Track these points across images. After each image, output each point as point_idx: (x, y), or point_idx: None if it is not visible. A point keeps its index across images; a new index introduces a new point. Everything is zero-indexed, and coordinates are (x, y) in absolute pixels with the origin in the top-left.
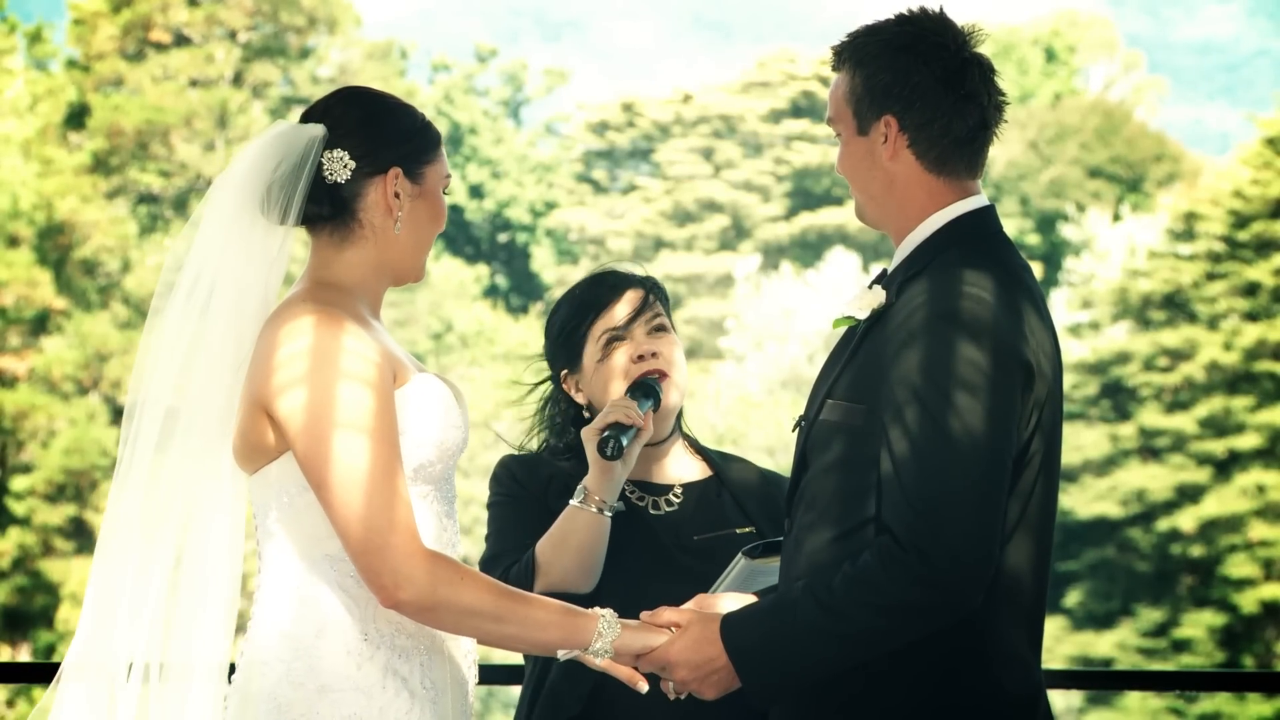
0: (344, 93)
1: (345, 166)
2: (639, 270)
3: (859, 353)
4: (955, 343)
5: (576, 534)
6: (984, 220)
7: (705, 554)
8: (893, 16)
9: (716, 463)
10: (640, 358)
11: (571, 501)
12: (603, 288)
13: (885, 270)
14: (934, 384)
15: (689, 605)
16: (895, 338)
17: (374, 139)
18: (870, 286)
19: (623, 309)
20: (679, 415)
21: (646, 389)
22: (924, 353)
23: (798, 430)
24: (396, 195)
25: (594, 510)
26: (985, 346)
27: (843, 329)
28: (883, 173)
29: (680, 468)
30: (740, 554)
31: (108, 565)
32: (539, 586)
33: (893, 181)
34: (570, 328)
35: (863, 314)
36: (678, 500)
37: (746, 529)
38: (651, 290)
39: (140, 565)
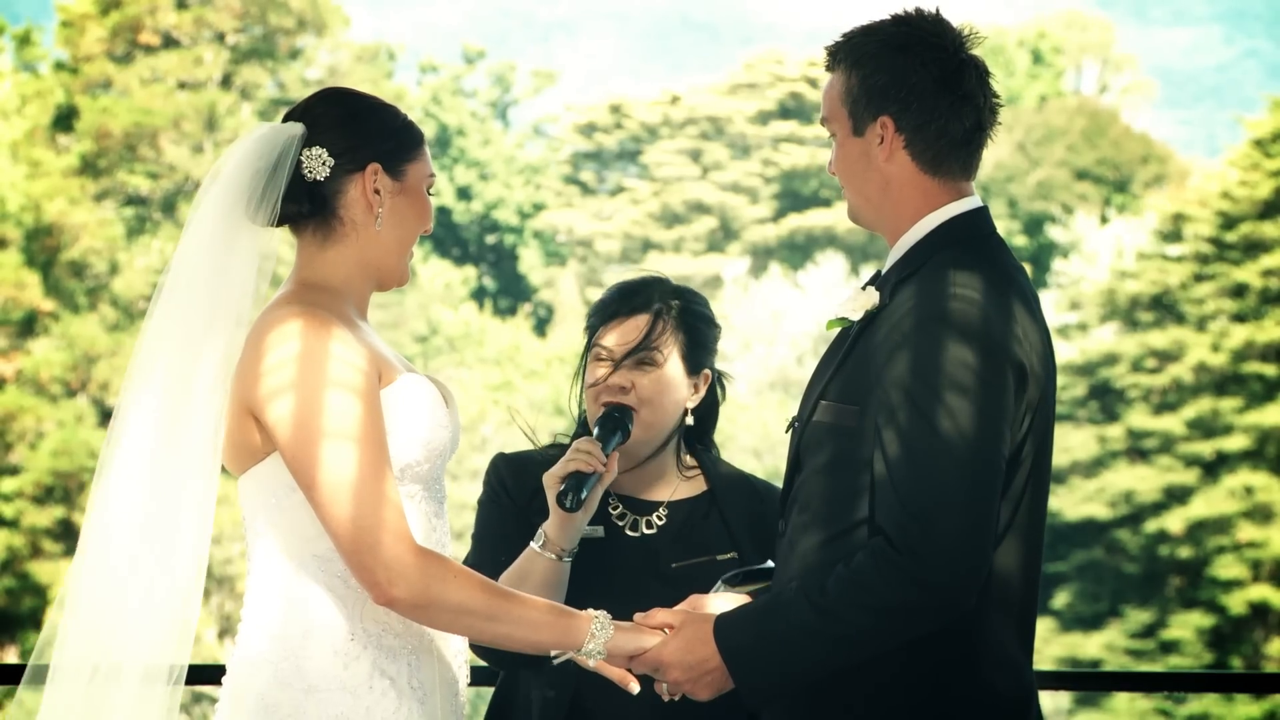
0: (324, 92)
1: (324, 164)
2: (675, 291)
3: (852, 354)
4: (948, 345)
5: (534, 576)
6: (978, 221)
7: (683, 582)
8: (889, 17)
9: (713, 479)
10: (609, 388)
11: (531, 545)
12: (619, 304)
13: (879, 271)
14: (927, 386)
15: (682, 606)
16: (889, 339)
17: (353, 135)
18: (864, 288)
19: (622, 332)
20: (677, 440)
21: (615, 423)
22: (917, 355)
23: (791, 431)
24: (377, 191)
25: (551, 557)
26: (978, 349)
27: (836, 330)
28: (878, 173)
29: (670, 485)
30: (720, 582)
31: (91, 566)
32: None
33: (888, 182)
34: (588, 329)
35: (856, 315)
36: (660, 522)
37: (728, 555)
38: (662, 317)
39: (122, 565)
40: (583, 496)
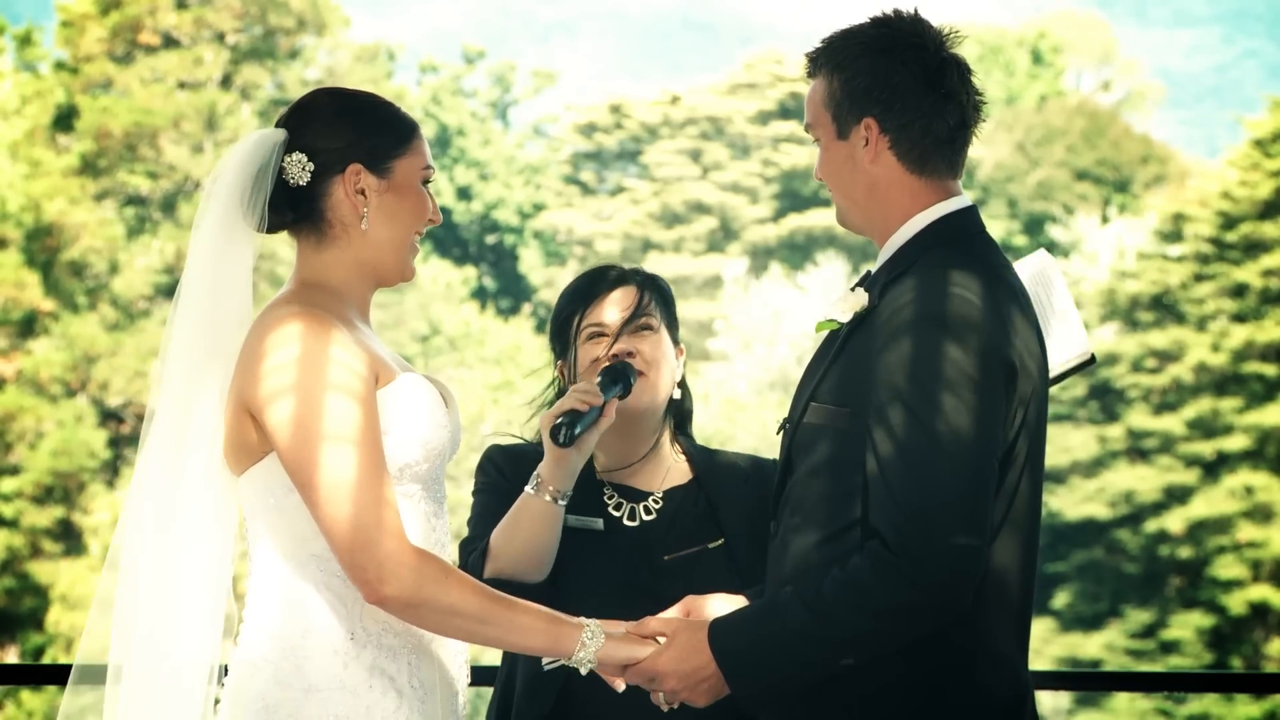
0: (308, 95)
1: (304, 168)
2: (642, 269)
3: (842, 355)
4: (939, 344)
5: (527, 521)
6: (966, 220)
7: (673, 576)
8: (867, 20)
9: (700, 465)
10: (615, 355)
11: (525, 488)
12: (598, 281)
13: (869, 272)
14: (919, 386)
15: (675, 610)
16: (879, 340)
17: (330, 138)
18: (853, 289)
19: (611, 305)
20: (669, 419)
21: (615, 374)
22: (908, 355)
23: (782, 433)
24: (361, 192)
25: (546, 498)
26: (969, 348)
27: (825, 332)
28: (864, 176)
29: (662, 472)
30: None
31: (120, 569)
32: (489, 572)
33: (875, 184)
34: (563, 318)
35: (845, 317)
36: (656, 508)
37: (718, 542)
38: (647, 288)
39: (141, 568)
40: (576, 432)
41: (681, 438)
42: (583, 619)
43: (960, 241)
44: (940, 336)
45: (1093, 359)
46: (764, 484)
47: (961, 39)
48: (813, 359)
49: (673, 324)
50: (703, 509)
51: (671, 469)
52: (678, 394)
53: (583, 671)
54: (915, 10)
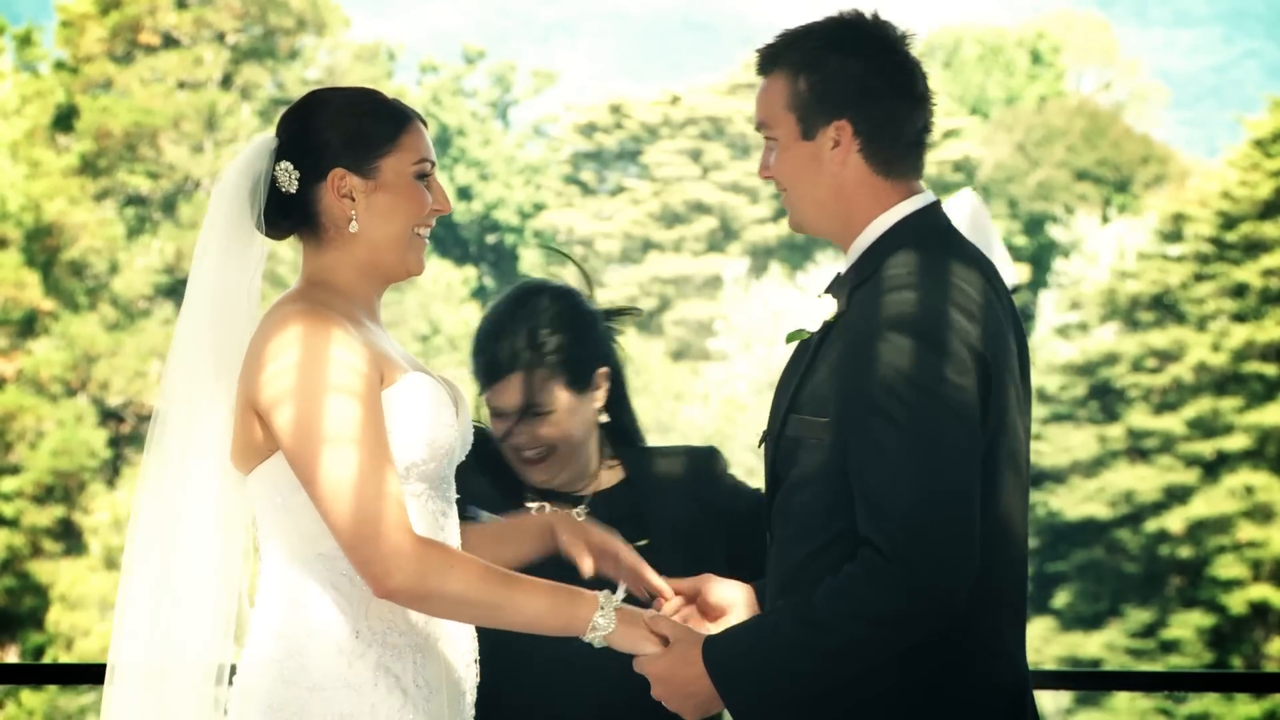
0: (301, 99)
1: (292, 177)
2: (542, 315)
3: (816, 365)
4: (912, 347)
5: None
6: (931, 217)
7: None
8: (827, 18)
9: (632, 467)
10: (516, 449)
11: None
12: (491, 364)
13: (838, 276)
14: (893, 392)
15: (689, 583)
16: (851, 347)
17: (310, 144)
18: (820, 296)
19: (505, 394)
20: (599, 439)
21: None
22: (882, 360)
23: (764, 446)
24: (349, 196)
25: None
26: (942, 348)
27: (795, 343)
28: (831, 178)
29: (593, 479)
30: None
31: (129, 569)
32: None
33: (841, 186)
34: (474, 373)
35: (814, 326)
36: (582, 517)
37: (643, 542)
38: (535, 370)
39: (149, 568)
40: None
41: (617, 445)
42: (601, 595)
43: (927, 239)
44: (912, 339)
45: (1016, 288)
46: (699, 476)
47: (915, 40)
48: (786, 369)
49: (576, 374)
50: (629, 510)
51: (603, 474)
52: (605, 417)
53: (595, 645)
54: (875, 12)
